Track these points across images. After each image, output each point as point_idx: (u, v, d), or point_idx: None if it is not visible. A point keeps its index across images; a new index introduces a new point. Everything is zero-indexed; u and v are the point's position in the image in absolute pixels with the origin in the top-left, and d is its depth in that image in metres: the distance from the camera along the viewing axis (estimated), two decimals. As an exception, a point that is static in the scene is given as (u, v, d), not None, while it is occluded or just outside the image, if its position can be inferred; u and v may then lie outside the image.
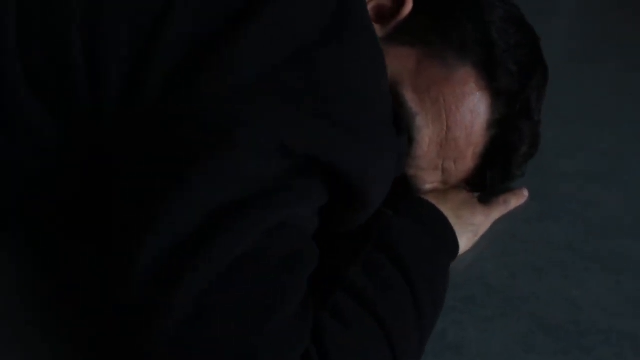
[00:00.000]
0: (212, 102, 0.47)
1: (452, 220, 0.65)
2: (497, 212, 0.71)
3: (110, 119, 0.51)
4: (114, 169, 0.51)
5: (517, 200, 0.74)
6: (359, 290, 0.51)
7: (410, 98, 0.59)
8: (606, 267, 0.67)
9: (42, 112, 0.51)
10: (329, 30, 0.51)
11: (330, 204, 0.52)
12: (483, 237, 0.69)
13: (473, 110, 0.60)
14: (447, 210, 0.65)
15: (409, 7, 0.62)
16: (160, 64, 0.50)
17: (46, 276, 0.57)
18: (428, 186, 0.64)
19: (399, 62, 0.60)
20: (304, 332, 0.45)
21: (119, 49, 0.50)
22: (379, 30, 0.62)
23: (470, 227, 0.67)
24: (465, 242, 0.66)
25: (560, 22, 1.33)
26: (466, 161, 0.63)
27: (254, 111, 0.46)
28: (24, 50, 0.50)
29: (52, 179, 0.54)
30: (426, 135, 0.60)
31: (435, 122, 0.60)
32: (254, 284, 0.44)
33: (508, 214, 0.73)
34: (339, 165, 0.48)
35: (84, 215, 0.57)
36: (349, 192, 0.50)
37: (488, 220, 0.70)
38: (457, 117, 0.60)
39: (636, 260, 0.69)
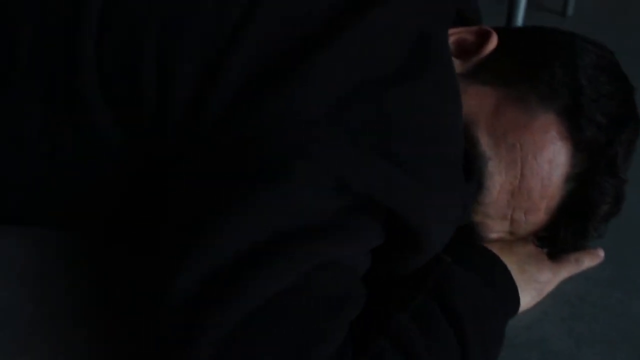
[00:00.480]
0: (275, 131, 0.45)
1: (516, 275, 0.60)
2: (567, 270, 0.66)
3: (173, 136, 0.50)
4: (168, 186, 0.50)
5: (590, 260, 0.68)
6: (406, 341, 0.47)
7: (484, 141, 0.55)
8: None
9: (111, 119, 0.51)
10: (406, 65, 0.49)
11: (386, 244, 0.49)
12: (547, 296, 0.64)
13: (552, 160, 0.56)
14: (511, 263, 0.61)
15: (493, 43, 0.59)
16: (227, 87, 0.49)
17: (92, 282, 0.57)
18: (494, 235, 0.60)
19: (477, 101, 0.57)
20: None
21: (189, 69, 0.49)
22: (459, 65, 0.58)
23: (535, 284, 0.62)
24: (527, 299, 0.61)
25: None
26: (538, 214, 0.58)
27: (316, 144, 0.44)
28: (101, 60, 0.50)
29: (108, 185, 0.54)
30: (497, 182, 0.56)
31: (509, 169, 0.56)
32: (292, 323, 0.42)
33: (578, 275, 0.67)
34: (398, 208, 0.45)
35: (131, 226, 0.56)
36: (407, 235, 0.47)
37: (556, 278, 0.64)
38: (534, 167, 0.56)
39: None
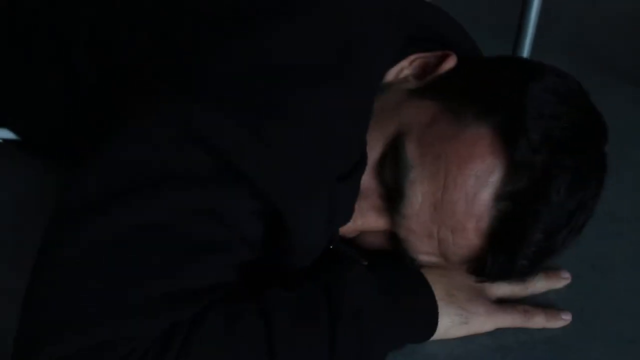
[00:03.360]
0: (172, 89, 0.50)
1: (441, 296, 0.58)
2: (507, 318, 0.61)
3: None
4: None
5: (547, 320, 0.62)
6: (271, 310, 0.48)
7: (410, 149, 0.54)
8: None
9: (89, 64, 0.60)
10: (327, 65, 0.51)
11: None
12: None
13: (479, 175, 0.53)
14: (440, 284, 0.59)
15: (450, 63, 0.59)
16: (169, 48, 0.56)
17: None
18: (423, 257, 0.56)
19: (415, 113, 0.56)
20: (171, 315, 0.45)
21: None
22: (413, 83, 0.59)
23: (459, 310, 0.58)
24: (447, 322, 0.58)
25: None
26: (466, 235, 0.54)
27: (197, 107, 0.48)
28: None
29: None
30: (419, 191, 0.53)
31: (432, 179, 0.53)
32: (142, 255, 0.45)
33: (525, 331, 0.60)
34: (255, 177, 0.47)
35: None
36: (276, 217, 0.49)
37: (489, 318, 0.60)
38: (457, 179, 0.53)
39: None
